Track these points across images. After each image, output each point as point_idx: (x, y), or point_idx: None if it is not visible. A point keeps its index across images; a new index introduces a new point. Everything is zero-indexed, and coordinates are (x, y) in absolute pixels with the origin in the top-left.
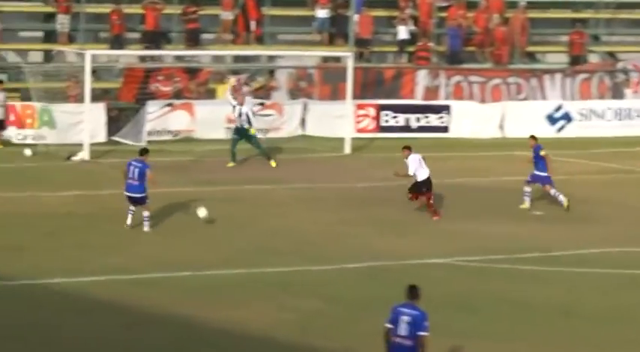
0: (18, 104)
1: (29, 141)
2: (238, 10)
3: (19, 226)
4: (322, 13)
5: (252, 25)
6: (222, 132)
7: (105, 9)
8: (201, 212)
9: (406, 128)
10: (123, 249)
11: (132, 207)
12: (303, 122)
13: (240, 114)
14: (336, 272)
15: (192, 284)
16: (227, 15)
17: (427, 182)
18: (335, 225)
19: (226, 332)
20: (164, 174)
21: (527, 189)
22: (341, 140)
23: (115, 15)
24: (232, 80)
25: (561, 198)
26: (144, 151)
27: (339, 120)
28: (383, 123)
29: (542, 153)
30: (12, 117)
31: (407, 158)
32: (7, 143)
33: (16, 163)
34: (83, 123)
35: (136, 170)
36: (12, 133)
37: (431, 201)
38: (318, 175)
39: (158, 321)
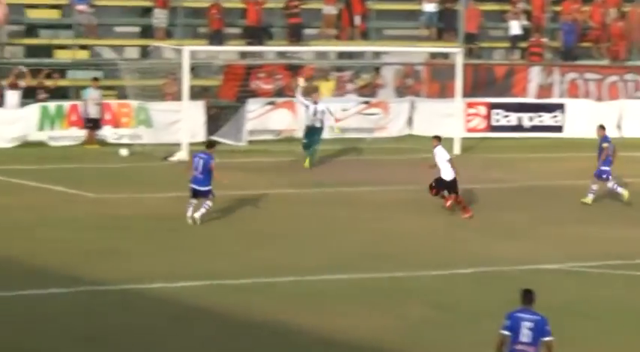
0: (114, 102)
1: (125, 140)
2: (342, 4)
3: (115, 229)
4: (430, 7)
5: (357, 19)
6: (325, 132)
7: (204, 3)
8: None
9: (518, 127)
10: (222, 252)
11: (193, 200)
12: (410, 121)
13: (315, 113)
14: (445, 278)
15: (292, 291)
16: (330, 9)
17: (452, 184)
18: (443, 228)
19: (327, 341)
20: (264, 174)
21: (610, 184)
22: (450, 140)
23: (215, 9)
24: (301, 80)
25: (591, 195)
26: (211, 144)
27: (448, 119)
28: (494, 123)
29: (603, 145)
30: (108, 116)
31: (435, 148)
32: (103, 143)
33: (111, 164)
34: (181, 122)
35: (201, 161)
36: (107, 133)
37: (459, 200)
38: (426, 177)
39: (254, 329)
